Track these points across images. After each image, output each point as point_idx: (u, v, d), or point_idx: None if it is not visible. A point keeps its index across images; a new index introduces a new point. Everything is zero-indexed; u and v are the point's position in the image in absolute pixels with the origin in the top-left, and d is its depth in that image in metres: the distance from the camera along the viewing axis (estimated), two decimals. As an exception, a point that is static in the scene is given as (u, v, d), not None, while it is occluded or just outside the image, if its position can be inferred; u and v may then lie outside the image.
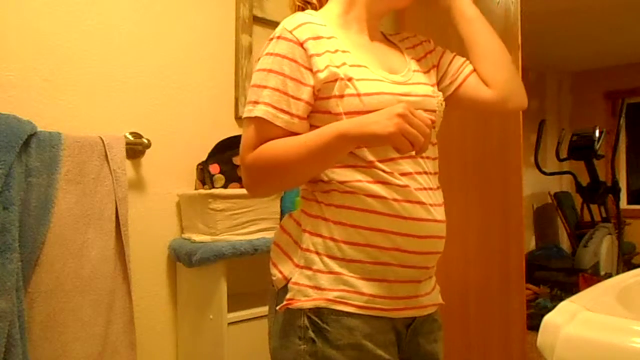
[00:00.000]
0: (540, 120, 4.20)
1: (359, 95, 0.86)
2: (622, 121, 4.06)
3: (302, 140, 0.85)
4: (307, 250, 0.89)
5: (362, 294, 0.86)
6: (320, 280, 0.87)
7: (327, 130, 0.84)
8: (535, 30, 3.58)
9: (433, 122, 0.83)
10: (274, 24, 1.99)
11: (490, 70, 1.04)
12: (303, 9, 1.02)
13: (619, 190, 4.10)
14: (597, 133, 3.90)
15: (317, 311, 0.86)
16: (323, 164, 0.87)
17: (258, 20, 1.95)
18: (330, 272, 0.87)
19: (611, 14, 3.69)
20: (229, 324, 1.50)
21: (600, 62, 5.03)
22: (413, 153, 0.84)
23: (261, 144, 0.88)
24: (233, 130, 1.86)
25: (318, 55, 0.87)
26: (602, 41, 4.35)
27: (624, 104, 4.02)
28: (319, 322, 0.85)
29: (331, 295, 0.86)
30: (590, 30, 4.06)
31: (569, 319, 0.66)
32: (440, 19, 1.14)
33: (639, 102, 5.11)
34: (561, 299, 0.75)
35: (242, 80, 1.89)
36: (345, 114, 0.86)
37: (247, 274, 1.80)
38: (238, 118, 1.89)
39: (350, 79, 0.87)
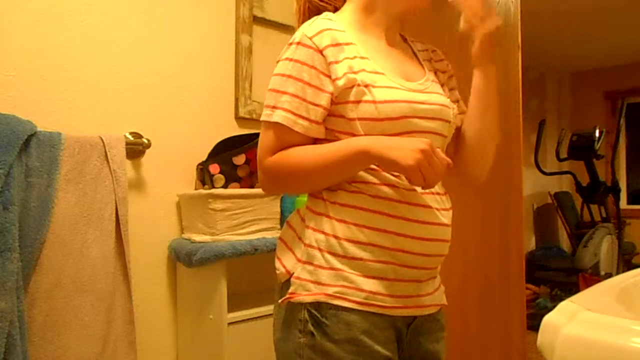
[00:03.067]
0: (540, 120, 4.20)
1: (374, 102, 0.87)
2: (622, 121, 4.06)
3: (322, 152, 0.88)
4: (310, 246, 0.90)
5: (362, 290, 0.87)
6: (320, 275, 0.88)
7: (348, 145, 0.87)
8: (535, 30, 3.59)
9: (449, 164, 0.86)
10: (274, 24, 2.00)
11: (464, 150, 1.04)
12: (309, 9, 1.03)
13: (619, 190, 4.10)
14: (597, 133, 3.90)
15: (317, 305, 0.87)
16: (339, 176, 0.90)
17: (258, 20, 1.96)
18: (331, 268, 0.88)
19: (611, 14, 3.69)
20: (229, 324, 1.50)
21: (600, 62, 5.03)
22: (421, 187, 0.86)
23: (280, 148, 0.90)
24: (233, 130, 1.86)
25: (337, 62, 0.89)
26: (602, 41, 4.35)
27: (624, 104, 4.02)
28: (319, 316, 0.87)
29: (331, 290, 0.87)
30: (590, 30, 4.07)
31: (569, 319, 0.66)
32: (439, 25, 1.13)
33: (639, 102, 5.11)
34: (561, 299, 0.75)
35: (242, 80, 1.89)
36: (359, 119, 0.88)
37: (247, 274, 1.80)
38: (238, 118, 1.89)
39: (367, 86, 0.88)
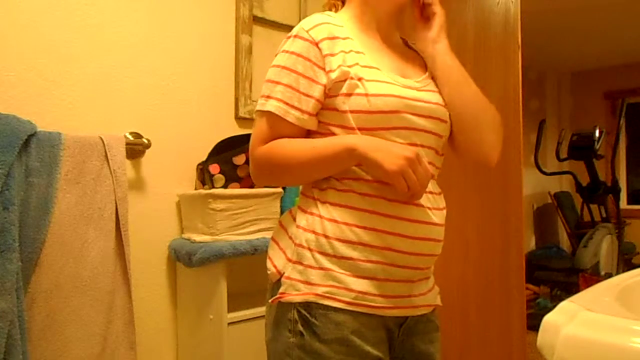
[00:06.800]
0: (540, 120, 4.20)
1: (366, 95, 0.88)
2: (622, 121, 4.05)
3: (312, 145, 0.89)
4: (300, 245, 0.90)
5: (351, 290, 0.87)
6: (310, 275, 0.88)
7: (337, 141, 0.88)
8: (535, 30, 3.59)
9: (433, 176, 0.87)
10: (274, 24, 2.00)
11: (458, 132, 0.99)
12: (330, 9, 1.05)
13: (619, 190, 4.09)
14: (597, 133, 3.90)
15: (307, 305, 0.87)
16: (327, 171, 0.90)
17: (258, 20, 1.96)
18: (321, 268, 0.88)
19: (611, 14, 3.69)
20: (229, 324, 1.50)
21: (600, 62, 5.03)
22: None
23: (272, 138, 0.91)
24: (233, 130, 1.86)
25: (332, 55, 0.90)
26: (602, 41, 4.35)
27: (624, 104, 4.01)
28: (308, 316, 0.87)
29: (320, 290, 0.87)
30: (590, 29, 4.07)
31: (569, 319, 0.66)
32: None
33: (639, 102, 5.11)
34: (561, 299, 0.75)
35: (242, 80, 1.89)
36: (351, 112, 0.88)
37: (247, 274, 1.80)
38: (238, 118, 1.89)
39: (360, 79, 0.88)
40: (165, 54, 1.72)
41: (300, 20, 1.01)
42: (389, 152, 0.83)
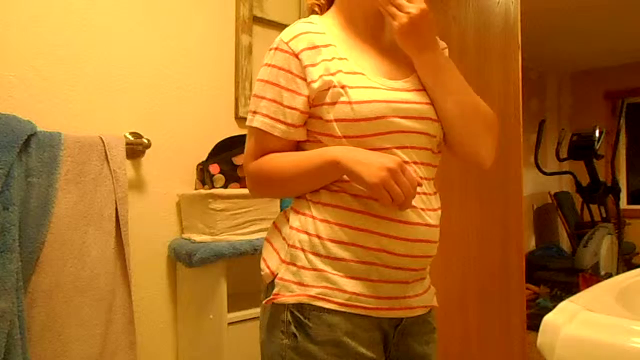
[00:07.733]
0: (540, 120, 4.20)
1: (350, 103, 0.87)
2: (622, 121, 4.06)
3: (299, 159, 0.90)
4: (293, 246, 0.90)
5: (344, 291, 0.87)
6: (303, 276, 0.88)
7: (321, 154, 0.88)
8: (535, 30, 3.59)
9: (419, 184, 0.87)
10: (274, 24, 2.00)
11: (448, 135, 0.97)
12: (314, 12, 1.03)
13: (619, 190, 4.10)
14: (597, 133, 3.90)
15: (300, 307, 0.87)
16: (314, 184, 0.91)
17: (258, 20, 1.96)
18: (314, 269, 0.87)
19: (611, 14, 3.69)
20: (229, 324, 1.51)
21: (600, 62, 5.03)
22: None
23: (262, 152, 0.93)
24: (233, 130, 1.86)
25: (313, 65, 0.89)
26: (602, 41, 4.35)
27: (624, 104, 4.02)
28: (301, 317, 0.87)
29: (313, 291, 0.86)
30: (591, 29, 4.07)
31: (569, 319, 0.66)
32: (439, 21, 1.11)
33: (639, 102, 5.11)
34: (561, 299, 0.75)
35: (242, 80, 1.89)
36: (335, 120, 0.88)
37: (247, 274, 1.79)
38: (238, 118, 1.89)
39: (343, 87, 0.87)
40: (165, 54, 1.72)
41: (299, 19, 0.99)
42: (370, 164, 0.82)
